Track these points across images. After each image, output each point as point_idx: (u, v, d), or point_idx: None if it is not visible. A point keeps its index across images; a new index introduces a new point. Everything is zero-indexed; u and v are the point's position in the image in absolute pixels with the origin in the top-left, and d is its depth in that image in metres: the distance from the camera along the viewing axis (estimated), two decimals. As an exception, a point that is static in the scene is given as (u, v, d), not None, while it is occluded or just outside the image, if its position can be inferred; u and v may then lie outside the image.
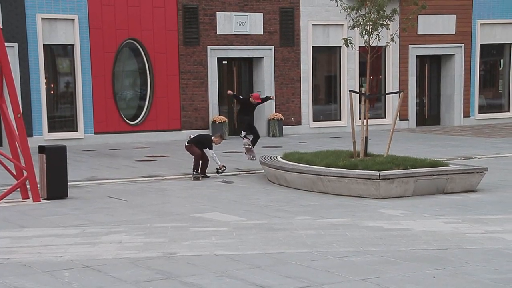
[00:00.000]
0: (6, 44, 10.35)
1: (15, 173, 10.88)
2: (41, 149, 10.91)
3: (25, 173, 10.67)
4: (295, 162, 12.20)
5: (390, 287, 6.07)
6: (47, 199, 10.65)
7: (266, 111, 21.61)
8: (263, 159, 13.14)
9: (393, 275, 6.46)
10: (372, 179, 10.74)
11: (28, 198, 10.65)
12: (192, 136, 13.33)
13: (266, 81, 21.71)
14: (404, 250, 7.40)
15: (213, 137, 13.38)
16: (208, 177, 12.95)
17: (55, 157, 10.75)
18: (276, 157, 13.10)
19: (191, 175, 12.91)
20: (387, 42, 12.70)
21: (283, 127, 21.60)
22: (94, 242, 7.86)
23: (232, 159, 15.68)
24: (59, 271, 6.65)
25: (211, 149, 12.97)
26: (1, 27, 10.23)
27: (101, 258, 7.14)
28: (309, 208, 9.94)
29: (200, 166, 12.92)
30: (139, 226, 8.69)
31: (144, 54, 20.07)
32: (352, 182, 10.92)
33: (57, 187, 10.72)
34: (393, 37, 12.34)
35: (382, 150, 12.91)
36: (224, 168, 13.10)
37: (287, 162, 12.41)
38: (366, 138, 12.25)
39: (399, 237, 7.98)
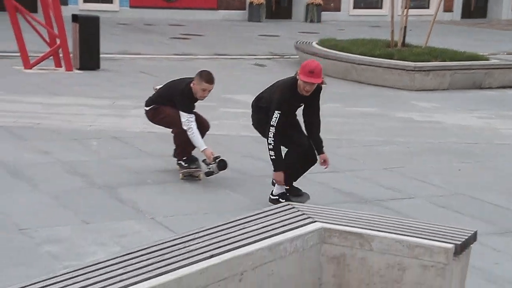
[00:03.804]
0: None
1: (48, 41, 10.87)
2: (74, 18, 10.82)
3: (58, 41, 10.65)
4: (330, 49, 11.96)
5: (414, 177, 6.04)
6: (79, 69, 10.67)
7: (306, -5, 21.01)
8: (298, 43, 12.88)
9: (418, 165, 6.42)
10: (407, 70, 10.51)
11: (61, 67, 10.69)
12: (157, 88, 6.27)
13: (307, -37, 20.92)
14: (432, 142, 7.31)
15: (192, 82, 5.73)
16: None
17: (88, 27, 10.67)
18: (311, 43, 12.83)
19: (179, 164, 6.00)
20: None
21: (322, 12, 21.04)
22: (123, 114, 7.92)
23: (267, 42, 15.44)
24: (88, 140, 6.76)
25: (182, 109, 5.70)
26: None
27: (129, 130, 7.22)
28: (340, 96, 9.80)
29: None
30: (169, 101, 8.69)
31: None
32: (386, 72, 10.70)
33: (89, 58, 10.71)
34: None
35: (422, 41, 12.54)
36: (216, 162, 5.75)
37: (321, 48, 12.17)
38: (405, 27, 11.88)
39: (428, 129, 7.88)
